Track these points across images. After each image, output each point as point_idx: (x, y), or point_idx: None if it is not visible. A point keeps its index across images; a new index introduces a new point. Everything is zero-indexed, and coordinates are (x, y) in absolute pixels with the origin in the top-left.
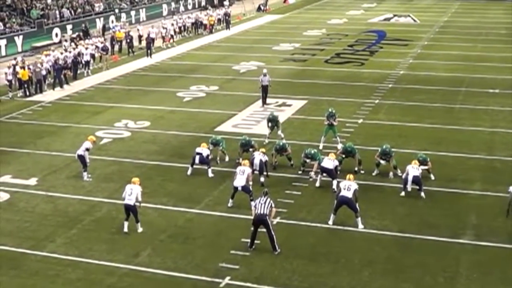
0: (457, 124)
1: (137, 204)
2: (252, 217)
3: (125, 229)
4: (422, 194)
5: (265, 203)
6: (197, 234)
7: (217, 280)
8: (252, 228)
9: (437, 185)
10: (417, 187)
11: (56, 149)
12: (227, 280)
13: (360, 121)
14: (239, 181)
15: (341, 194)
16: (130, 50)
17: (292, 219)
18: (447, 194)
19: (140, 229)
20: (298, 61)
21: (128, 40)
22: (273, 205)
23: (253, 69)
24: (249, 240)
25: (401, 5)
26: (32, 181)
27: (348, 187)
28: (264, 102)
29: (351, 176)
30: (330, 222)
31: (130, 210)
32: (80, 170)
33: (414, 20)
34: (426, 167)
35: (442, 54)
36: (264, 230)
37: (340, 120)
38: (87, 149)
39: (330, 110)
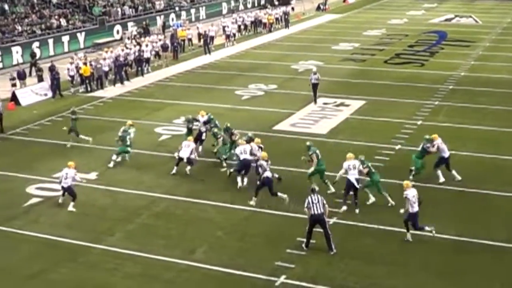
0: None
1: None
2: (307, 216)
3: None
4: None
5: (318, 202)
6: (254, 232)
7: (273, 278)
8: (308, 227)
9: (494, 189)
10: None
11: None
12: (282, 278)
13: (419, 122)
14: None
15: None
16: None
17: (349, 220)
18: (506, 198)
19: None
20: (357, 61)
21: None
22: (325, 202)
23: (312, 68)
24: (304, 239)
25: (463, 6)
26: (93, 175)
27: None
28: (314, 100)
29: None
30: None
31: (67, 191)
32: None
33: (476, 21)
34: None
35: (504, 56)
36: (319, 229)
37: (399, 121)
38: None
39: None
